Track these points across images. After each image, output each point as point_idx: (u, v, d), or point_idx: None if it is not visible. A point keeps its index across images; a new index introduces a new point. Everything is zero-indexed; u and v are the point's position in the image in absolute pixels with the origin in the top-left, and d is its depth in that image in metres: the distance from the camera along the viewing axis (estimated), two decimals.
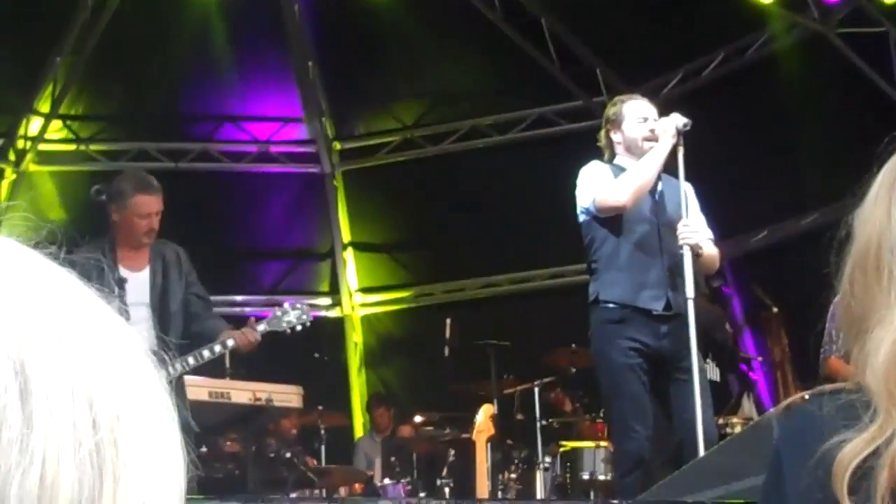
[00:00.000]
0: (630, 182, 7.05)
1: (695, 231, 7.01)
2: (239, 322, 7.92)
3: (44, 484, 0.81)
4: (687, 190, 7.33)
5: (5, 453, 0.81)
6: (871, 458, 1.70)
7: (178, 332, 7.21)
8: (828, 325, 7.64)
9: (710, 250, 7.26)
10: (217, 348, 7.35)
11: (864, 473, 1.70)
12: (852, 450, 1.71)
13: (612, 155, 7.32)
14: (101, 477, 0.84)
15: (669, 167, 7.28)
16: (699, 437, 6.49)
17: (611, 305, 7.10)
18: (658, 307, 7.03)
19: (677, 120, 7.14)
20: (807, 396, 1.91)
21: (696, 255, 7.02)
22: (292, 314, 7.74)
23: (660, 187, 7.24)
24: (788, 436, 1.89)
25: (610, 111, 7.47)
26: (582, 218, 7.28)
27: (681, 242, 6.94)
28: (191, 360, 7.23)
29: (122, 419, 0.87)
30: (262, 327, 7.54)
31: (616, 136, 7.33)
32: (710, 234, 7.35)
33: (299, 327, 7.78)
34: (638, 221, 7.15)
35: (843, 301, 1.89)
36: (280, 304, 7.84)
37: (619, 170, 7.17)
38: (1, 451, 0.81)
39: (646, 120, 7.25)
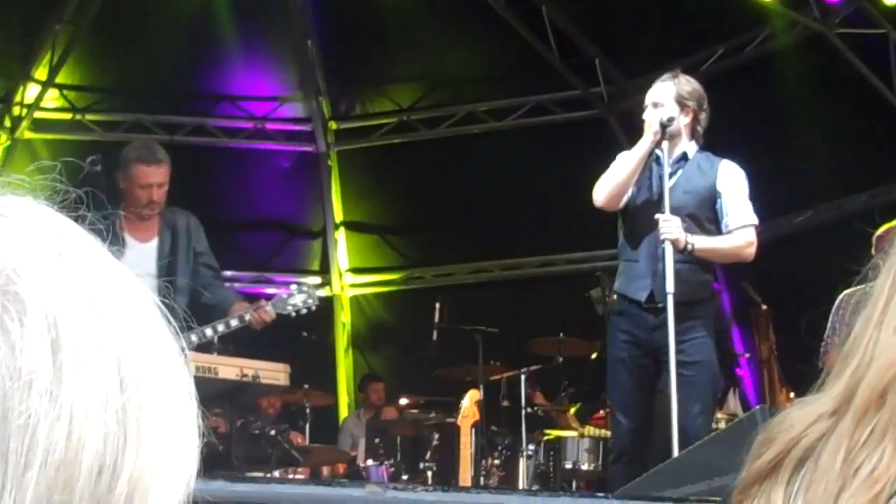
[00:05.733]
0: (606, 181, 7.11)
1: (675, 227, 6.84)
2: None
3: (70, 438, 0.83)
4: (726, 172, 7.33)
5: (35, 404, 0.82)
6: None
7: (184, 306, 7.09)
8: (832, 316, 7.52)
9: (714, 245, 7.14)
10: (234, 322, 7.34)
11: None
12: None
13: None
14: (125, 436, 0.86)
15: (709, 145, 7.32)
16: (674, 435, 6.48)
17: (615, 296, 7.23)
18: (642, 297, 7.04)
19: (661, 114, 7.14)
20: None
21: (683, 250, 6.86)
22: (298, 297, 7.66)
23: (678, 172, 7.19)
24: None
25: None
26: None
27: (662, 237, 6.84)
28: (208, 332, 7.22)
29: (147, 381, 0.88)
30: (268, 308, 7.50)
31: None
32: (746, 219, 7.21)
33: (304, 311, 7.73)
34: (641, 210, 7.13)
35: None
36: (287, 286, 7.74)
37: None
38: (31, 402, 0.82)
39: (655, 106, 7.20)
